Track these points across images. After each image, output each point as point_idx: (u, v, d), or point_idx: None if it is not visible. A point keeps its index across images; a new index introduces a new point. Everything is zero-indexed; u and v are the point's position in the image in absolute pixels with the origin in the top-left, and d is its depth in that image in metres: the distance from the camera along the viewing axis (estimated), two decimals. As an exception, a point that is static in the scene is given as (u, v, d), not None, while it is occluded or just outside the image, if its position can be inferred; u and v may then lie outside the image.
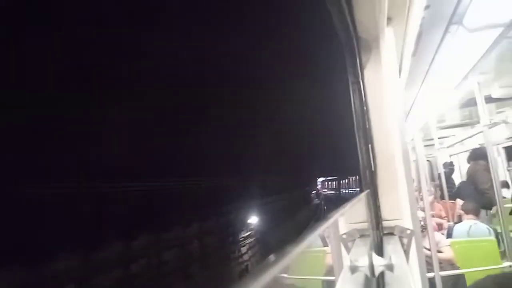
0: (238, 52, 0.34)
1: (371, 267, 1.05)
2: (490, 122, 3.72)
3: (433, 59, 3.19)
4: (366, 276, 1.10)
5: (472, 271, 3.09)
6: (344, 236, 1.40)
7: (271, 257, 0.30)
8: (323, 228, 0.48)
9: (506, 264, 3.39)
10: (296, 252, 0.32)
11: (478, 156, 5.77)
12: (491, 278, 2.00)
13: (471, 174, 6.19)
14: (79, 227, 0.19)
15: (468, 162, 6.50)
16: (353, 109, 1.31)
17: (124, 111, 0.21)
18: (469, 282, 3.11)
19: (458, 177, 8.38)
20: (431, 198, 6.08)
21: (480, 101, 3.62)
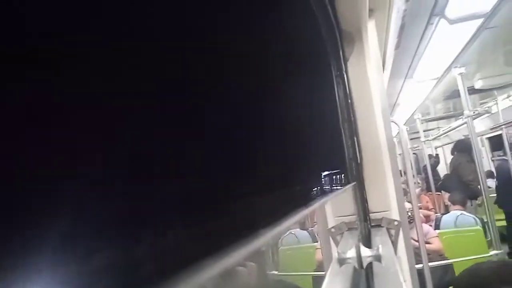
0: (212, 42, 0.32)
1: (359, 258, 1.04)
2: (473, 113, 3.76)
3: (416, 51, 3.22)
4: (355, 268, 1.10)
5: (460, 261, 3.13)
6: (332, 229, 1.39)
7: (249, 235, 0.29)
8: (304, 213, 0.47)
9: (493, 252, 3.44)
10: (272, 233, 0.31)
11: (462, 147, 5.85)
12: (479, 266, 2.03)
13: (455, 166, 6.27)
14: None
15: (452, 154, 6.59)
16: (337, 102, 1.31)
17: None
18: (457, 271, 3.14)
19: (444, 169, 8.49)
20: (418, 190, 6.14)
21: (463, 92, 3.66)
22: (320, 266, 2.65)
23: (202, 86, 0.31)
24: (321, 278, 1.13)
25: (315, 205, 0.55)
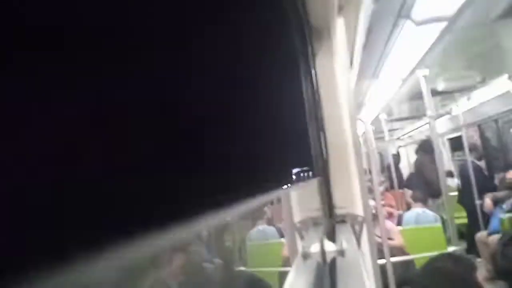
0: (178, 35, 0.31)
1: (323, 253, 1.05)
2: (435, 114, 3.88)
3: (383, 52, 3.28)
4: (318, 263, 1.10)
5: (421, 257, 3.22)
6: (298, 224, 1.40)
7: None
8: (262, 200, 0.46)
9: (451, 249, 3.56)
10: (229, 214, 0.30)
11: (425, 147, 6.04)
12: (433, 260, 2.10)
13: (418, 165, 6.48)
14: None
15: (416, 153, 6.80)
16: (304, 98, 1.31)
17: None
18: (418, 267, 3.24)
19: (407, 168, 8.74)
20: (381, 188, 6.29)
21: (426, 94, 3.76)
22: (287, 262, 2.66)
23: (171, 82, 0.30)
24: (287, 273, 1.14)
25: (276, 193, 0.55)
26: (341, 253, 1.04)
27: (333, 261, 1.09)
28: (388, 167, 7.77)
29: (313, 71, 1.42)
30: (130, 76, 0.25)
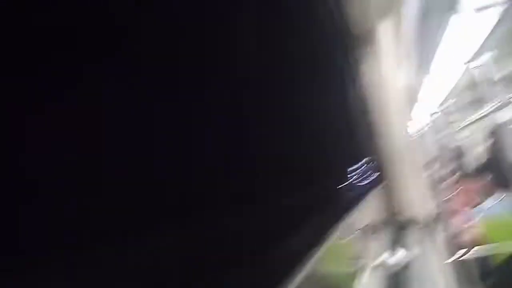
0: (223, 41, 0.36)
1: (394, 256, 1.05)
2: (498, 102, 3.68)
3: (438, 42, 3.17)
4: (390, 266, 1.11)
5: (503, 249, 3.03)
6: (366, 227, 1.40)
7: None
8: (348, 219, 0.51)
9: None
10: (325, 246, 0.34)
11: (496, 133, 5.69)
12: None
13: (492, 151, 6.10)
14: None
15: (487, 139, 6.41)
16: (355, 99, 1.31)
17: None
18: (499, 259, 3.05)
19: (476, 156, 8.24)
20: (453, 179, 6.00)
21: (485, 83, 3.59)
22: (353, 262, 2.64)
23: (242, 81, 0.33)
24: (353, 274, 1.15)
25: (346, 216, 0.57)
26: (413, 255, 1.04)
27: (405, 265, 1.08)
28: (458, 156, 7.38)
29: (360, 74, 1.42)
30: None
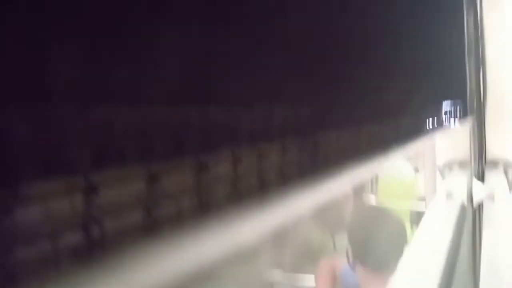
0: None
1: (470, 195, 1.00)
2: None
3: None
4: (462, 206, 1.06)
5: None
6: (441, 164, 1.34)
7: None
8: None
9: None
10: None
11: None
12: None
13: None
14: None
15: None
16: (465, 33, 1.19)
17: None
18: None
19: None
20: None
21: None
22: (421, 201, 2.61)
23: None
24: (420, 212, 1.12)
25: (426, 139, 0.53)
26: (491, 197, 0.98)
27: (480, 206, 1.03)
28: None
29: (478, 5, 1.27)
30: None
